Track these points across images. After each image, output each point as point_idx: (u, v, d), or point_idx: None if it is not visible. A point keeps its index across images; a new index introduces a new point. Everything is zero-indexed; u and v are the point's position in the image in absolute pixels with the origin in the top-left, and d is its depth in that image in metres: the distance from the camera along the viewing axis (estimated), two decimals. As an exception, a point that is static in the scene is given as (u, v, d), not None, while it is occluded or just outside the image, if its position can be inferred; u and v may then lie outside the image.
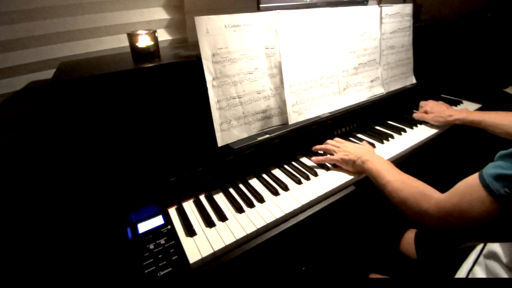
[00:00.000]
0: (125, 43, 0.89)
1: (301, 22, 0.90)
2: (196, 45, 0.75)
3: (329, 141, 0.94)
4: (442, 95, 1.44)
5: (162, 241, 0.64)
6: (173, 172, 0.74)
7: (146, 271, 0.57)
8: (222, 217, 0.71)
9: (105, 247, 0.73)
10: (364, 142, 0.97)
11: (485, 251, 0.62)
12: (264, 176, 0.85)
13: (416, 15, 1.40)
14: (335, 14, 0.98)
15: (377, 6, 1.10)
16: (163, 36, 1.10)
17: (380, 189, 0.74)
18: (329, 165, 0.89)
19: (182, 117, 0.77)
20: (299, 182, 0.82)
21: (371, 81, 1.12)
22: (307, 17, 0.91)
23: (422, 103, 1.20)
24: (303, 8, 0.92)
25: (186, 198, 0.78)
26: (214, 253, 0.62)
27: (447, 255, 0.80)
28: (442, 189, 0.60)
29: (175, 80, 0.76)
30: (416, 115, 1.15)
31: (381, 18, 1.11)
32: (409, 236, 0.92)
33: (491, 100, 1.34)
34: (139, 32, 0.78)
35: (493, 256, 0.59)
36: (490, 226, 0.47)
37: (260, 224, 0.69)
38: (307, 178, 0.84)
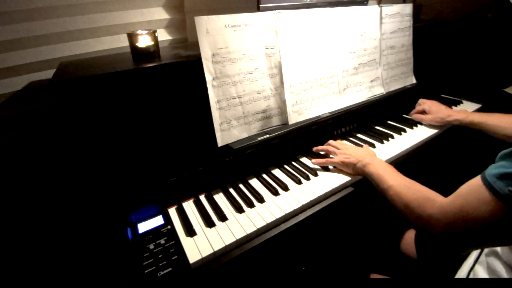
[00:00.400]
0: (125, 43, 0.89)
1: (301, 22, 0.90)
2: (196, 45, 0.75)
3: (331, 141, 0.94)
4: (442, 95, 1.44)
5: (162, 241, 0.64)
6: (173, 172, 0.74)
7: (146, 271, 0.57)
8: (222, 217, 0.71)
9: (105, 247, 0.73)
10: (365, 146, 0.96)
11: (486, 249, 0.62)
12: (264, 176, 0.85)
13: (416, 15, 1.40)
14: (335, 14, 0.98)
15: (377, 6, 1.10)
16: (163, 36, 1.10)
17: (382, 194, 0.73)
18: (329, 166, 0.89)
19: (182, 117, 0.77)
20: (299, 182, 0.82)
21: (371, 81, 1.12)
22: (307, 17, 0.91)
23: (420, 100, 1.19)
24: (303, 8, 0.92)
25: (186, 198, 0.78)
26: (214, 253, 0.62)
27: (447, 255, 0.80)
28: (443, 190, 0.59)
29: (175, 80, 0.76)
30: (415, 116, 1.14)
31: (381, 18, 1.11)
32: (410, 236, 0.92)
33: (491, 100, 1.34)
34: (139, 32, 0.78)
35: (493, 254, 0.59)
36: (496, 228, 0.46)
37: (260, 224, 0.69)
38: (307, 178, 0.84)
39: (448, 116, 1.05)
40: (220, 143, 0.79)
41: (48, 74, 0.91)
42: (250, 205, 0.74)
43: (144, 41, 0.79)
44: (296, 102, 0.91)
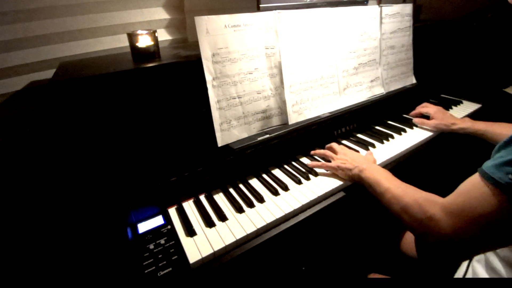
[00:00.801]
0: (125, 43, 0.89)
1: (301, 22, 0.90)
2: (196, 45, 0.75)
3: (331, 145, 0.93)
4: (442, 95, 1.44)
5: (162, 241, 0.64)
6: (173, 172, 0.74)
7: (146, 271, 0.57)
8: (222, 217, 0.71)
9: (105, 247, 0.73)
10: (368, 152, 0.94)
11: None
12: (264, 176, 0.85)
13: (416, 15, 1.40)
14: (335, 14, 0.98)
15: (377, 6, 1.10)
16: (163, 36, 1.10)
17: (378, 198, 0.71)
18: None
19: (182, 117, 0.77)
20: (299, 182, 0.82)
21: (371, 81, 1.12)
22: (307, 17, 0.91)
23: (425, 104, 1.18)
24: (303, 8, 0.92)
25: (186, 198, 0.78)
26: (214, 253, 0.62)
27: (448, 253, 0.80)
28: (444, 191, 0.59)
29: (175, 80, 0.76)
30: (417, 120, 1.12)
31: (381, 18, 1.11)
32: (410, 235, 0.92)
33: (491, 100, 1.34)
34: (139, 32, 0.78)
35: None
36: (502, 223, 0.44)
37: (260, 224, 0.69)
38: (307, 178, 0.84)
39: (452, 124, 1.04)
40: (220, 143, 0.79)
41: (48, 74, 0.91)
42: (250, 205, 0.74)
43: (144, 41, 0.79)
44: (296, 102, 0.91)
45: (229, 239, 0.65)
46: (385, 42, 1.14)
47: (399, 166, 0.93)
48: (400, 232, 0.94)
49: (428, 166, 1.17)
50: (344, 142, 1.02)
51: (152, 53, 0.80)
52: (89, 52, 0.97)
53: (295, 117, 0.92)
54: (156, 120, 0.74)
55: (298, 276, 0.96)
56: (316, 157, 0.94)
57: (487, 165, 0.47)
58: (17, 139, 0.87)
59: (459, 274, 0.69)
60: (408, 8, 1.20)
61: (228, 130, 0.81)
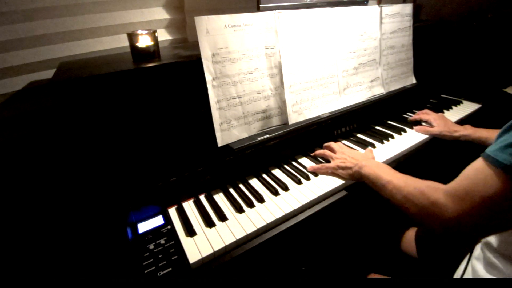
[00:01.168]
0: (125, 43, 0.89)
1: (301, 22, 0.90)
2: (196, 45, 0.75)
3: (328, 144, 0.93)
4: (442, 95, 1.44)
5: (162, 241, 0.64)
6: (173, 172, 0.74)
7: (146, 271, 0.57)
8: (222, 217, 0.71)
9: (105, 247, 0.73)
10: (368, 149, 0.94)
11: (481, 244, 0.62)
12: (264, 176, 0.85)
13: (416, 15, 1.40)
14: (335, 14, 0.98)
15: (377, 6, 1.10)
16: (163, 36, 1.10)
17: (380, 192, 0.72)
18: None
19: (182, 117, 0.77)
20: (299, 182, 0.82)
21: (371, 81, 1.12)
22: (307, 17, 0.91)
23: (426, 111, 1.16)
24: (303, 8, 0.92)
25: (186, 198, 0.78)
26: (214, 253, 0.62)
27: (448, 253, 0.80)
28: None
29: (175, 80, 0.76)
30: (419, 128, 1.09)
31: (381, 18, 1.11)
32: (410, 234, 0.92)
33: (491, 100, 1.34)
34: (139, 32, 0.78)
35: (487, 245, 0.59)
36: (506, 205, 0.45)
37: (260, 224, 0.69)
38: (307, 178, 0.84)
39: (455, 132, 1.03)
40: (220, 143, 0.79)
41: (48, 74, 0.91)
42: (250, 205, 0.74)
43: (144, 41, 0.79)
44: (296, 102, 0.91)
45: (229, 239, 0.65)
46: (385, 42, 1.14)
47: (399, 166, 0.93)
48: (400, 232, 0.94)
49: (428, 166, 1.17)
50: (344, 142, 1.02)
51: (152, 53, 0.80)
52: (89, 52, 0.97)
53: (295, 117, 0.92)
54: (156, 120, 0.74)
55: (298, 276, 0.96)
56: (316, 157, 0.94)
57: (491, 149, 0.47)
58: (17, 139, 0.87)
59: (459, 271, 0.70)
60: (408, 8, 1.20)
61: (228, 130, 0.81)
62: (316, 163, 0.89)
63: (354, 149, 0.96)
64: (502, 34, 1.37)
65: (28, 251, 0.89)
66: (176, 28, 1.12)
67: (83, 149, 0.67)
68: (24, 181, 0.88)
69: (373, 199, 1.01)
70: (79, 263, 0.88)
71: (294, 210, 0.73)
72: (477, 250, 0.64)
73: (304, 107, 0.94)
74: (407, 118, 1.19)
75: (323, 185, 0.81)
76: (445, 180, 0.58)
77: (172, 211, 0.74)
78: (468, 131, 1.02)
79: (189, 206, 0.75)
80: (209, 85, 0.76)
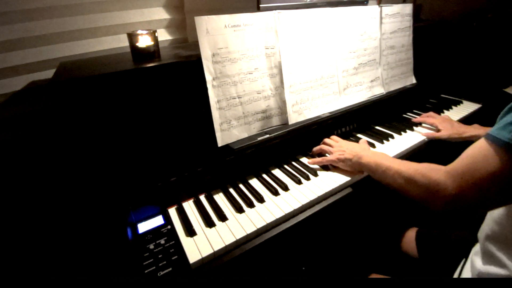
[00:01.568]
0: (125, 43, 0.89)
1: (301, 22, 0.90)
2: (196, 45, 0.75)
3: (325, 140, 0.94)
4: (442, 95, 1.44)
5: (162, 241, 0.64)
6: (173, 172, 0.74)
7: (146, 271, 0.57)
8: (222, 217, 0.71)
9: (105, 247, 0.73)
10: (361, 140, 0.95)
11: (483, 238, 0.62)
12: (264, 176, 0.85)
13: (416, 15, 1.40)
14: (335, 14, 0.98)
15: (377, 6, 1.10)
16: (163, 36, 1.10)
17: (381, 179, 0.73)
18: (329, 165, 0.89)
19: (182, 117, 0.77)
20: (299, 182, 0.82)
21: (371, 81, 1.12)
22: (307, 17, 0.91)
23: (430, 114, 1.15)
24: (303, 8, 0.92)
25: (186, 198, 0.78)
26: (214, 253, 0.62)
27: (448, 252, 0.80)
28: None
29: (175, 80, 0.76)
30: (428, 134, 1.06)
31: (381, 18, 1.11)
32: (410, 234, 0.92)
33: (491, 100, 1.34)
34: (139, 32, 0.78)
35: (488, 238, 0.59)
36: (507, 181, 0.46)
37: (260, 224, 0.69)
38: (307, 178, 0.84)
39: (464, 133, 1.02)
40: (220, 143, 0.79)
41: (48, 74, 0.91)
42: (250, 205, 0.74)
43: (144, 41, 0.79)
44: (296, 102, 0.91)
45: (229, 239, 0.65)
46: (385, 42, 1.14)
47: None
48: (401, 232, 0.94)
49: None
50: (338, 138, 1.01)
51: (152, 53, 0.80)
52: (89, 52, 0.97)
53: (295, 117, 0.92)
54: (156, 120, 0.74)
55: (298, 276, 0.96)
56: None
57: (493, 129, 0.49)
58: (17, 139, 0.87)
59: (458, 268, 0.70)
60: (408, 8, 1.20)
61: (228, 130, 0.81)
62: (316, 162, 0.89)
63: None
64: (502, 34, 1.37)
65: (28, 251, 0.89)
66: (176, 28, 1.12)
67: (83, 149, 0.67)
68: (24, 181, 0.88)
69: (373, 199, 1.01)
70: (80, 263, 0.88)
71: (294, 210, 0.73)
72: (476, 247, 0.64)
73: (304, 107, 0.94)
74: (408, 118, 1.19)
75: (323, 185, 0.81)
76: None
77: (172, 211, 0.74)
78: (478, 130, 1.00)
79: (189, 206, 0.75)
80: (209, 85, 0.76)
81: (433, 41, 1.42)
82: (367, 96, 1.11)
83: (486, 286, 0.50)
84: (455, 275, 0.70)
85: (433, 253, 0.85)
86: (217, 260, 0.63)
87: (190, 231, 0.66)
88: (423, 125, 1.13)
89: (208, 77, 0.76)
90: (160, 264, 0.59)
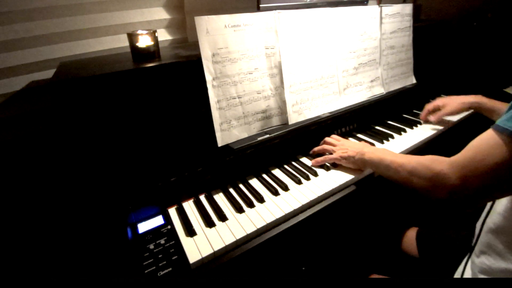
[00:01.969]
0: (125, 43, 0.89)
1: (301, 22, 0.90)
2: (196, 45, 0.75)
3: (326, 138, 0.94)
4: (442, 95, 1.44)
5: (162, 241, 0.64)
6: (173, 172, 0.74)
7: (146, 271, 0.57)
8: (222, 217, 0.71)
9: (105, 247, 0.73)
10: (362, 142, 0.97)
11: (487, 234, 0.62)
12: (264, 176, 0.85)
13: (416, 15, 1.40)
14: (335, 14, 0.98)
15: (377, 6, 1.10)
16: (163, 36, 1.10)
17: (384, 173, 0.74)
18: (329, 165, 0.89)
19: (182, 117, 0.77)
20: (299, 182, 0.82)
21: (371, 81, 1.12)
22: (307, 17, 0.91)
23: (428, 104, 1.14)
24: (303, 8, 0.92)
25: (186, 198, 0.78)
26: (214, 253, 0.62)
27: (449, 252, 0.80)
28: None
29: (175, 80, 0.76)
30: (434, 118, 1.07)
31: (381, 18, 1.11)
32: (411, 234, 0.92)
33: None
34: (139, 32, 0.78)
35: (492, 231, 0.59)
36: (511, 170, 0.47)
37: (260, 224, 0.69)
38: (307, 178, 0.84)
39: (466, 99, 1.01)
40: (220, 143, 0.79)
41: (48, 74, 0.91)
42: (250, 205, 0.74)
43: (144, 41, 0.79)
44: (296, 102, 0.91)
45: (229, 239, 0.65)
46: (385, 42, 1.14)
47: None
48: (401, 232, 0.94)
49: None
50: (338, 137, 1.01)
51: (152, 53, 0.80)
52: (89, 52, 0.97)
53: (295, 117, 0.92)
54: (156, 120, 0.74)
55: (298, 276, 0.96)
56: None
57: (501, 120, 0.49)
58: (17, 139, 0.87)
59: (460, 268, 0.69)
60: (408, 8, 1.20)
61: (228, 130, 0.81)
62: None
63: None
64: (502, 34, 1.37)
65: (28, 251, 0.89)
66: (176, 28, 1.12)
67: (83, 149, 0.67)
68: (24, 181, 0.88)
69: (374, 199, 1.01)
70: (80, 263, 0.88)
71: (294, 210, 0.73)
72: (478, 245, 0.64)
73: (304, 107, 0.94)
74: (408, 118, 1.19)
75: (323, 185, 0.81)
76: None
77: (172, 211, 0.74)
78: (482, 99, 0.99)
79: (189, 206, 0.75)
80: (209, 85, 0.76)
81: (433, 41, 1.42)
82: (367, 96, 1.11)
83: (487, 286, 0.50)
84: (458, 274, 0.70)
85: (433, 253, 0.85)
86: (217, 260, 0.63)
87: (190, 231, 0.66)
88: (423, 124, 1.13)
89: (208, 77, 0.76)
90: (160, 264, 0.59)
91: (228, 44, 0.78)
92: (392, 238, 0.95)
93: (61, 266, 0.90)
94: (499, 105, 0.96)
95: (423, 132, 1.09)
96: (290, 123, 0.91)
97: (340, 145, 0.88)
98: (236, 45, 0.79)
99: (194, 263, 0.60)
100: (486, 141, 0.51)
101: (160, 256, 0.60)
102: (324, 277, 0.96)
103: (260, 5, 0.91)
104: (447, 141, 1.11)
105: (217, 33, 0.76)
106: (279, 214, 0.71)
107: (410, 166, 0.64)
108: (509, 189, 0.52)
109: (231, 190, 0.81)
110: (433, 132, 1.08)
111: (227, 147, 0.81)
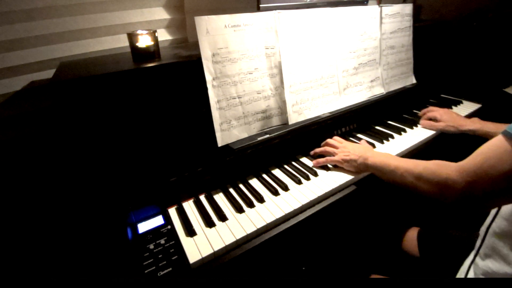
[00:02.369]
0: (125, 43, 0.89)
1: (301, 22, 0.90)
2: (196, 45, 0.75)
3: (328, 140, 0.94)
4: (442, 95, 1.44)
5: (162, 241, 0.64)
6: (173, 172, 0.74)
7: (146, 271, 0.57)
8: (222, 217, 0.71)
9: (105, 247, 0.73)
10: (363, 141, 0.97)
11: (492, 236, 0.62)
12: (264, 176, 0.85)
13: (416, 15, 1.40)
14: (335, 14, 0.98)
15: (377, 6, 1.10)
16: (163, 36, 1.10)
17: (390, 178, 0.73)
18: (329, 165, 0.89)
19: (182, 117, 0.77)
20: (299, 182, 0.82)
21: (371, 81, 1.12)
22: (307, 17, 0.91)
23: (431, 108, 1.17)
24: (303, 8, 0.92)
25: (186, 198, 0.78)
26: (214, 253, 0.62)
27: (450, 252, 0.80)
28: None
29: (175, 80, 0.76)
30: (425, 123, 1.10)
31: (381, 18, 1.11)
32: (412, 234, 0.92)
33: (491, 100, 1.34)
34: (139, 32, 0.78)
35: (497, 235, 0.59)
36: None
37: (260, 224, 0.69)
38: (307, 178, 0.84)
39: (461, 126, 1.03)
40: (220, 143, 0.79)
41: (48, 74, 0.91)
42: (250, 205, 0.74)
43: (144, 41, 0.79)
44: (296, 102, 0.91)
45: (229, 239, 0.65)
46: (385, 42, 1.14)
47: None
48: (402, 232, 0.94)
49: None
50: (340, 139, 1.01)
51: (152, 53, 0.80)
52: (89, 52, 0.97)
53: (295, 117, 0.92)
54: (156, 120, 0.74)
55: (298, 276, 0.96)
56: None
57: (510, 126, 0.49)
58: (17, 139, 0.87)
59: (464, 268, 0.69)
60: (408, 8, 1.20)
61: (228, 130, 0.81)
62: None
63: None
64: (502, 34, 1.37)
65: (28, 251, 0.89)
66: (176, 28, 1.12)
67: (83, 149, 0.67)
68: (24, 181, 0.88)
69: (374, 199, 1.01)
70: (80, 263, 0.88)
71: (294, 210, 0.73)
72: (483, 248, 0.64)
73: (304, 107, 0.94)
74: (408, 118, 1.19)
75: (323, 185, 0.81)
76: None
77: (172, 211, 0.74)
78: (475, 125, 1.01)
79: (189, 206, 0.75)
80: (209, 85, 0.76)
81: (433, 41, 1.42)
82: (367, 96, 1.11)
83: (488, 286, 0.50)
84: (462, 275, 0.69)
85: (434, 253, 0.85)
86: (217, 260, 0.63)
87: (190, 231, 0.66)
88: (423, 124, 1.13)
89: (208, 77, 0.76)
90: (160, 264, 0.59)
91: (228, 44, 0.78)
92: (392, 238, 0.95)
93: (61, 266, 0.90)
94: (493, 127, 0.96)
95: (423, 132, 1.09)
96: (290, 123, 0.90)
97: (342, 148, 0.88)
98: (236, 45, 0.79)
99: (194, 263, 0.60)
100: (495, 147, 0.50)
101: (160, 256, 0.60)
102: (324, 277, 0.96)
103: (260, 5, 0.91)
104: (447, 141, 1.11)
105: (217, 33, 0.76)
106: (279, 214, 0.71)
107: (416, 172, 0.64)
108: None
109: (231, 190, 0.81)
110: (433, 132, 1.08)
111: (227, 147, 0.81)
